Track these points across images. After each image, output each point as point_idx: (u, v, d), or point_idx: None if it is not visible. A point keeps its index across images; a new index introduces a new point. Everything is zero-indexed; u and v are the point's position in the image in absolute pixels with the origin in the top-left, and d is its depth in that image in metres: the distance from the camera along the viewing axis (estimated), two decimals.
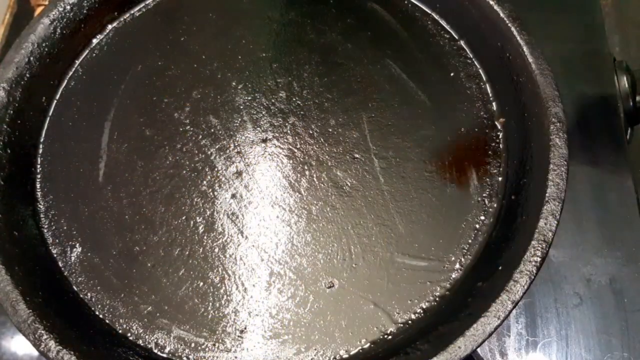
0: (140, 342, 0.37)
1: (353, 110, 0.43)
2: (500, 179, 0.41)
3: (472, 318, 0.33)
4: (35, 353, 0.43)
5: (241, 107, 0.44)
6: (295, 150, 0.42)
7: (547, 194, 0.35)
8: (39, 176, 0.42)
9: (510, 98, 0.42)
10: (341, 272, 0.39)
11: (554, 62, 0.40)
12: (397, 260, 0.39)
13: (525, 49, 0.40)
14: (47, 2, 0.52)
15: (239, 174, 0.42)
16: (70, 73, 0.45)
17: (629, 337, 0.43)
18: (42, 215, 0.41)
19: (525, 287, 0.33)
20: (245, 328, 0.38)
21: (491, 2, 0.41)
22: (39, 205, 0.41)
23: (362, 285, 0.38)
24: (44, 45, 0.43)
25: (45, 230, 0.41)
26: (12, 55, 0.42)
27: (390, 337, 0.37)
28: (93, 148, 0.43)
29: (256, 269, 0.39)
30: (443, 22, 0.46)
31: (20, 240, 0.39)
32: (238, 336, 0.37)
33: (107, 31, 0.47)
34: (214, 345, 0.37)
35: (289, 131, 0.43)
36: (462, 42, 0.45)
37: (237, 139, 0.43)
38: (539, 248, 0.34)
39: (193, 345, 0.37)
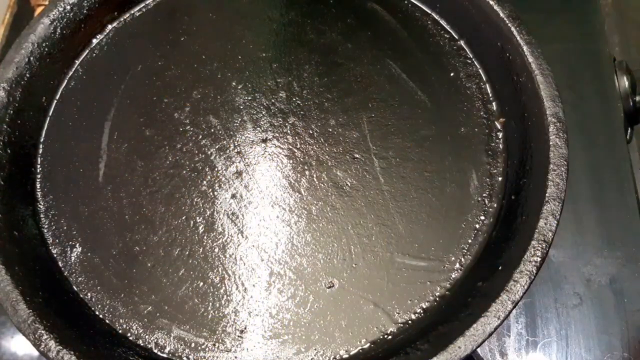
0: (140, 342, 0.37)
1: (353, 110, 0.43)
2: (500, 179, 0.41)
3: (472, 318, 0.33)
4: (36, 353, 0.43)
5: (241, 107, 0.44)
6: (295, 150, 0.42)
7: (547, 194, 0.35)
8: (39, 176, 0.42)
9: (510, 98, 0.42)
10: (341, 272, 0.39)
11: (554, 62, 0.40)
12: (397, 260, 0.39)
13: (525, 49, 0.40)
14: (47, 2, 0.52)
15: (239, 174, 0.42)
16: (70, 73, 0.45)
17: (629, 337, 0.43)
18: (42, 215, 0.41)
19: (525, 287, 0.33)
20: (245, 328, 0.38)
21: (491, 2, 0.41)
22: (39, 205, 0.41)
23: (362, 285, 0.38)
24: (44, 45, 0.43)
25: (45, 230, 0.41)
26: (12, 55, 0.42)
27: (390, 337, 0.37)
28: (93, 148, 0.43)
29: (256, 269, 0.39)
30: (443, 22, 0.46)
31: (20, 240, 0.39)
32: (238, 336, 0.37)
33: (107, 31, 0.47)
34: (214, 345, 0.37)
35: (289, 131, 0.43)
36: (462, 42, 0.45)
37: (237, 139, 0.43)
38: (539, 248, 0.34)
39: (193, 345, 0.37)
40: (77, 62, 0.46)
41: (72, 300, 0.38)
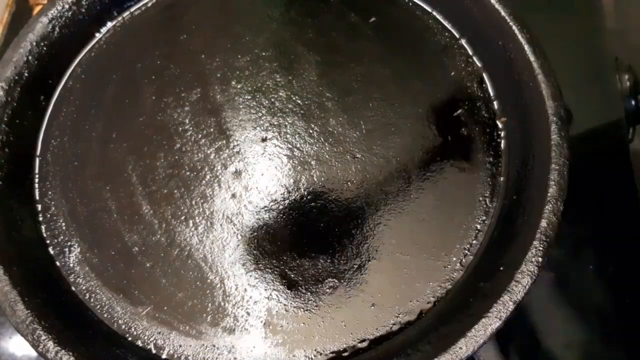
0: (139, 342, 0.37)
1: (353, 110, 0.43)
2: (501, 178, 0.40)
3: (474, 319, 0.33)
4: (34, 354, 0.43)
5: (241, 106, 0.44)
6: (295, 150, 0.42)
7: (548, 194, 0.35)
8: (37, 176, 0.42)
9: (512, 97, 0.41)
10: (341, 272, 0.38)
11: (556, 61, 0.39)
12: (397, 260, 0.38)
13: (526, 48, 0.39)
14: (45, 1, 0.51)
15: (238, 173, 0.42)
16: (69, 72, 0.45)
17: (629, 338, 0.43)
18: (40, 216, 0.41)
19: (527, 287, 0.33)
20: (244, 328, 0.37)
21: (492, 1, 0.41)
22: (38, 206, 0.41)
23: (362, 286, 0.38)
24: (42, 44, 0.43)
25: (44, 231, 0.40)
26: (10, 55, 0.42)
27: (391, 337, 0.37)
28: (92, 148, 0.43)
29: (256, 269, 0.39)
30: (444, 21, 0.46)
31: (18, 240, 0.39)
32: (237, 336, 0.37)
33: (106, 30, 0.46)
34: (213, 345, 0.37)
35: (288, 130, 0.43)
36: (463, 41, 0.45)
37: (237, 138, 0.43)
38: (541, 248, 0.34)
39: (192, 345, 0.37)
40: (76, 61, 0.46)
41: (71, 301, 0.38)
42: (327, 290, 0.38)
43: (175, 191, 0.41)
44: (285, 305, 0.38)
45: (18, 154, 0.41)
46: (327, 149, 0.42)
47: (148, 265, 0.39)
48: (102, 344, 0.36)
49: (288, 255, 0.39)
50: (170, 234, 0.40)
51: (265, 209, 0.41)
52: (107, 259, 0.39)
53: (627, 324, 0.44)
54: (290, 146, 0.42)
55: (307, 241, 0.39)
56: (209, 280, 0.39)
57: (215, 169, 0.42)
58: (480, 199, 0.40)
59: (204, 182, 0.41)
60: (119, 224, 0.40)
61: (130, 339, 0.37)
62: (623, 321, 0.44)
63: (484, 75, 0.44)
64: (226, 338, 0.37)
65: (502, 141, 0.42)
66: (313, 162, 0.42)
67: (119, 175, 0.42)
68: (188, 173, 0.42)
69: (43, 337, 0.34)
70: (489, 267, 0.37)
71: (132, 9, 0.48)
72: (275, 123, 0.43)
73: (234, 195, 0.41)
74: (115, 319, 0.38)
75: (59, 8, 0.43)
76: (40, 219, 0.41)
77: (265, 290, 0.38)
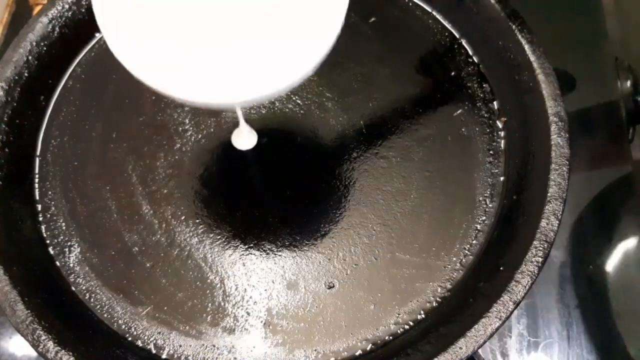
0: (139, 342, 0.37)
1: (353, 110, 0.43)
2: (501, 178, 0.40)
3: (474, 319, 0.33)
4: (34, 354, 0.43)
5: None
6: (295, 150, 0.42)
7: (548, 194, 0.35)
8: (37, 176, 0.42)
9: (512, 97, 0.41)
10: (341, 272, 0.38)
11: (555, 61, 0.39)
12: (397, 260, 0.38)
13: (526, 48, 0.40)
14: (45, 1, 0.51)
15: (237, 173, 0.42)
16: (69, 72, 0.45)
17: (630, 338, 0.43)
18: (40, 216, 0.41)
19: (527, 287, 0.33)
20: (244, 328, 0.37)
21: (492, 1, 0.41)
22: (38, 206, 0.41)
23: (362, 285, 0.38)
24: (42, 44, 0.43)
25: (44, 231, 0.40)
26: (10, 55, 0.41)
27: (391, 337, 0.37)
28: (92, 147, 0.43)
29: (255, 270, 0.39)
30: (444, 21, 0.46)
31: (18, 240, 0.39)
32: (237, 337, 0.37)
33: None
34: (213, 346, 0.37)
35: (287, 130, 0.43)
36: (463, 41, 0.45)
37: None
38: (541, 248, 0.34)
39: (192, 345, 0.37)
40: (76, 61, 0.46)
41: (71, 301, 0.38)
42: (327, 290, 0.38)
43: (176, 191, 0.41)
44: (285, 305, 0.38)
45: (18, 154, 0.41)
46: (327, 148, 0.42)
47: (148, 265, 0.39)
48: (102, 344, 0.36)
49: (288, 256, 0.39)
50: (170, 234, 0.40)
51: (265, 209, 0.41)
52: (107, 259, 0.39)
53: None
54: (289, 146, 0.42)
55: (307, 241, 0.39)
56: (209, 280, 0.39)
57: (215, 168, 0.42)
58: (480, 199, 0.40)
59: (204, 181, 0.41)
60: (119, 224, 0.40)
61: (130, 339, 0.37)
62: None
63: (484, 75, 0.44)
64: (226, 338, 0.37)
65: (502, 141, 0.42)
66: (313, 162, 0.42)
67: (119, 175, 0.42)
68: (188, 173, 0.42)
69: (43, 337, 0.34)
70: (489, 267, 0.37)
71: None
72: (276, 123, 0.43)
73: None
74: (115, 319, 0.38)
75: (59, 8, 0.43)
76: (40, 219, 0.41)
77: (265, 290, 0.38)
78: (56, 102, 0.44)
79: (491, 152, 0.41)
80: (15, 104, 0.41)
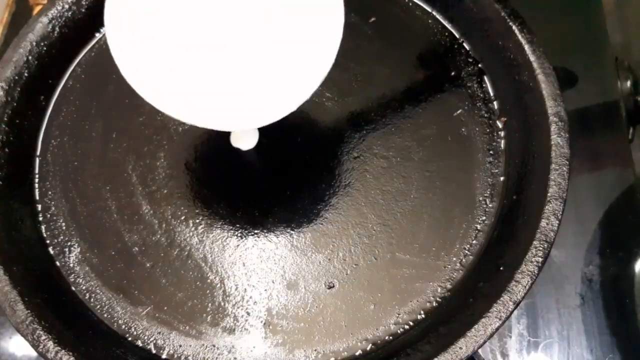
0: (139, 342, 0.37)
1: (353, 110, 0.43)
2: (501, 178, 0.40)
3: (473, 319, 0.33)
4: (34, 354, 0.43)
5: None
6: (295, 150, 0.42)
7: (548, 194, 0.35)
8: (37, 176, 0.42)
9: (512, 97, 0.41)
10: (341, 272, 0.38)
11: (555, 61, 0.39)
12: (397, 260, 0.38)
13: (526, 47, 0.40)
14: (45, 1, 0.51)
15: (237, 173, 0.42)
16: (69, 72, 0.45)
17: (630, 338, 0.43)
18: (40, 216, 0.41)
19: (527, 287, 0.33)
20: (244, 328, 0.37)
21: (492, 1, 0.41)
22: (38, 206, 0.41)
23: (362, 285, 0.38)
24: (42, 44, 0.43)
25: (44, 231, 0.40)
26: (10, 55, 0.41)
27: (390, 337, 0.37)
28: (91, 147, 0.43)
29: (255, 270, 0.39)
30: (444, 21, 0.46)
31: (18, 240, 0.39)
32: (237, 337, 0.37)
33: None
34: (213, 346, 0.37)
35: (288, 130, 0.43)
36: (463, 41, 0.45)
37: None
38: (541, 248, 0.34)
39: (192, 345, 0.37)
40: (76, 61, 0.46)
41: (71, 301, 0.38)
42: (327, 290, 0.38)
43: (176, 191, 0.41)
44: (285, 305, 0.38)
45: (18, 154, 0.41)
46: (327, 148, 0.42)
47: (148, 265, 0.39)
48: (102, 344, 0.36)
49: (288, 256, 0.39)
50: (170, 234, 0.40)
51: (265, 209, 0.41)
52: (107, 259, 0.39)
53: None
54: (289, 146, 0.42)
55: (307, 241, 0.39)
56: (209, 280, 0.39)
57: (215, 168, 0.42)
58: (480, 199, 0.40)
59: (204, 181, 0.41)
60: (119, 224, 0.40)
61: (130, 339, 0.37)
62: None
63: (484, 75, 0.44)
64: (226, 338, 0.37)
65: (502, 141, 0.42)
66: (313, 162, 0.42)
67: (119, 175, 0.42)
68: (188, 173, 0.42)
69: (43, 337, 0.34)
70: (489, 267, 0.37)
71: None
72: (276, 123, 0.43)
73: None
74: (115, 319, 0.38)
75: (59, 8, 0.43)
76: (40, 219, 0.41)
77: (265, 290, 0.38)
78: (56, 102, 0.44)
79: (491, 152, 0.41)
80: (15, 104, 0.41)
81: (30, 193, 0.41)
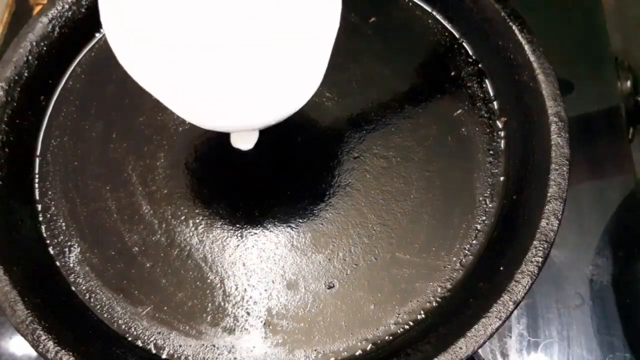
0: (139, 342, 0.37)
1: (353, 110, 0.43)
2: (501, 178, 0.40)
3: (473, 319, 0.33)
4: (34, 354, 0.43)
5: None
6: (295, 150, 0.42)
7: (548, 194, 0.35)
8: (37, 176, 0.42)
9: (512, 97, 0.41)
10: (341, 272, 0.38)
11: (555, 61, 0.39)
12: (397, 261, 0.38)
13: (526, 48, 0.39)
14: (45, 1, 0.51)
15: (237, 173, 0.42)
16: (69, 72, 0.45)
17: (631, 338, 0.43)
18: (40, 216, 0.41)
19: (527, 287, 0.33)
20: (244, 328, 0.37)
21: (492, 1, 0.41)
22: (38, 206, 0.41)
23: (362, 285, 0.38)
24: (42, 44, 0.43)
25: (44, 231, 0.40)
26: (10, 55, 0.41)
27: (390, 337, 0.37)
28: (92, 148, 0.43)
29: (255, 270, 0.39)
30: (444, 21, 0.46)
31: (18, 240, 0.39)
32: (237, 337, 0.37)
33: None
34: (213, 346, 0.37)
35: (287, 130, 0.43)
36: (463, 41, 0.45)
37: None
38: (541, 248, 0.34)
39: (192, 345, 0.37)
40: (76, 61, 0.46)
41: (71, 301, 0.38)
42: (327, 290, 0.38)
43: (176, 191, 0.41)
44: (285, 305, 0.38)
45: (18, 154, 0.41)
46: (327, 148, 0.42)
47: (148, 265, 0.39)
48: (102, 344, 0.36)
49: (288, 256, 0.39)
50: (170, 234, 0.40)
51: (265, 209, 0.41)
52: (107, 259, 0.39)
53: None
54: (289, 145, 0.42)
55: (307, 241, 0.39)
56: (209, 280, 0.39)
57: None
58: (480, 199, 0.40)
59: (204, 181, 0.41)
60: (119, 224, 0.40)
61: (130, 339, 0.37)
62: None
63: (484, 75, 0.44)
64: (226, 338, 0.37)
65: (502, 141, 0.42)
66: (312, 162, 0.42)
67: (119, 175, 0.42)
68: (188, 173, 0.42)
69: (43, 337, 0.34)
70: (489, 267, 0.37)
71: None
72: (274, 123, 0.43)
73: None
74: (115, 319, 0.38)
75: (59, 8, 0.43)
76: (40, 219, 0.41)
77: (265, 290, 0.38)
78: (56, 102, 0.44)
79: (491, 152, 0.41)
80: (15, 104, 0.41)
81: (30, 193, 0.41)
